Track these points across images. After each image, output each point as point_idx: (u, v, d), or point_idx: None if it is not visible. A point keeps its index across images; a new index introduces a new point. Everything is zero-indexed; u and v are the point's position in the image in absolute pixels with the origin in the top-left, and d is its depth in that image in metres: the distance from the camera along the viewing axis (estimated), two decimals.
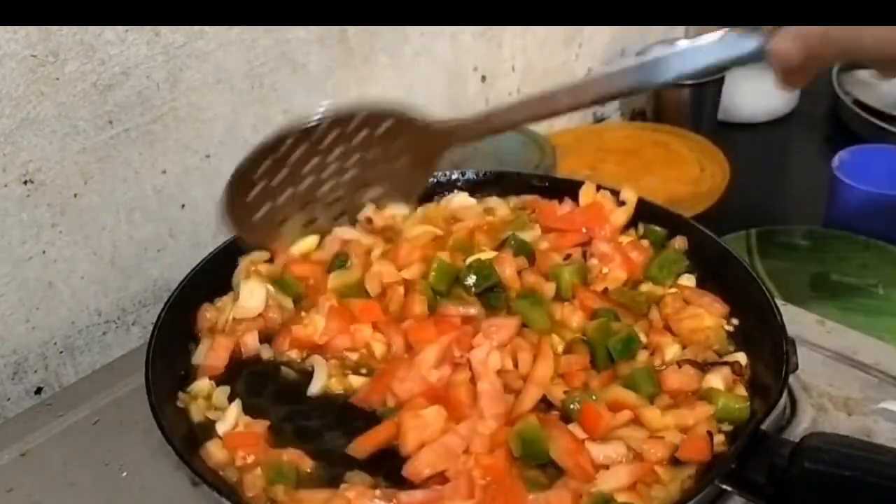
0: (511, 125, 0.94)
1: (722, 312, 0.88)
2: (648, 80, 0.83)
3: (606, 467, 0.74)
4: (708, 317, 0.87)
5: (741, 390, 0.80)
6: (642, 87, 0.91)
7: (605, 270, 0.92)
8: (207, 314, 0.91)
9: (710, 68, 0.79)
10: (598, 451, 0.74)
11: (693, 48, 0.79)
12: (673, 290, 0.92)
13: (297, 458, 0.77)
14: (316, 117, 0.87)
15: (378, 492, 0.72)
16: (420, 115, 0.90)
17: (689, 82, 1.56)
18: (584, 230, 0.96)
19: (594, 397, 0.78)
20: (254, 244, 0.94)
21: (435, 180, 1.07)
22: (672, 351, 0.84)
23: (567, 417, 0.78)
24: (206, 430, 0.81)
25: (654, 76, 0.81)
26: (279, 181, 0.90)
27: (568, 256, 0.93)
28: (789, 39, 0.73)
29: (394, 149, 0.92)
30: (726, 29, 0.78)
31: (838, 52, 0.73)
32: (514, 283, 0.90)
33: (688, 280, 0.93)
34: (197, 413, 0.82)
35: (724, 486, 0.70)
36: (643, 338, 0.85)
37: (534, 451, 0.75)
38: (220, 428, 0.79)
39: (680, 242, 0.96)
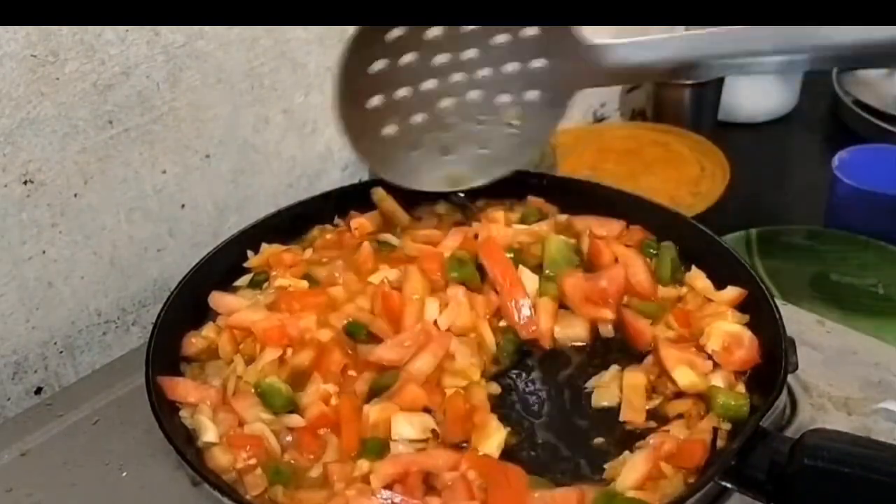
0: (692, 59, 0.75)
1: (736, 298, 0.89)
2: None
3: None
4: (731, 315, 0.87)
5: (741, 388, 0.81)
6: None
7: None
8: (193, 339, 0.89)
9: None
10: None
11: None
12: (684, 288, 0.93)
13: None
14: None
15: (378, 492, 0.72)
16: (573, 32, 0.75)
17: (691, 82, 1.56)
18: None
19: None
20: (376, 169, 0.81)
21: None
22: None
23: None
24: None
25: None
26: (395, 68, 0.75)
27: None
28: None
29: (530, 71, 0.77)
30: None
31: None
32: None
33: (698, 275, 0.93)
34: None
35: (724, 483, 0.70)
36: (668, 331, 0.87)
37: None
38: (207, 437, 0.79)
39: (668, 246, 0.96)
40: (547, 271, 0.93)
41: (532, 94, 0.78)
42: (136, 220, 1.07)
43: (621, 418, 0.80)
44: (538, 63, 0.76)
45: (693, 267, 0.94)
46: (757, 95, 1.62)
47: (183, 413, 0.82)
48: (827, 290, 1.20)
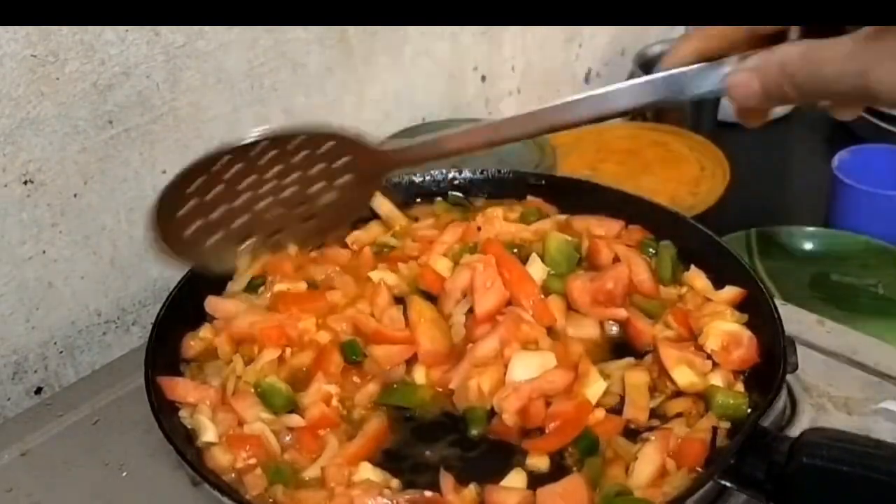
0: (461, 152, 0.85)
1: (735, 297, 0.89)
2: (602, 111, 0.74)
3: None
4: (730, 314, 0.87)
5: (740, 387, 0.81)
6: (600, 117, 0.78)
7: None
8: (192, 342, 0.89)
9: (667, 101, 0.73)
10: None
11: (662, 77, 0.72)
12: (684, 288, 0.93)
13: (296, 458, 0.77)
14: (253, 136, 0.82)
15: (380, 491, 0.72)
16: (362, 138, 0.86)
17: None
18: None
19: None
20: (183, 262, 0.88)
21: (432, 178, 1.07)
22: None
23: None
24: None
25: (609, 105, 0.74)
26: (212, 196, 0.84)
27: None
28: (747, 74, 0.67)
29: (336, 167, 0.87)
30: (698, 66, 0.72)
31: (796, 92, 0.66)
32: None
33: (697, 274, 0.93)
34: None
35: (723, 482, 0.70)
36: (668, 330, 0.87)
37: None
38: (206, 437, 0.78)
39: (667, 246, 0.96)
40: (549, 269, 0.93)
41: (343, 179, 0.87)
42: (136, 220, 1.07)
43: (625, 416, 0.80)
44: (343, 160, 0.85)
45: (692, 266, 0.94)
46: None
47: (182, 413, 0.82)
48: (827, 290, 1.21)
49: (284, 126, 0.83)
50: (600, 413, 0.79)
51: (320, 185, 0.87)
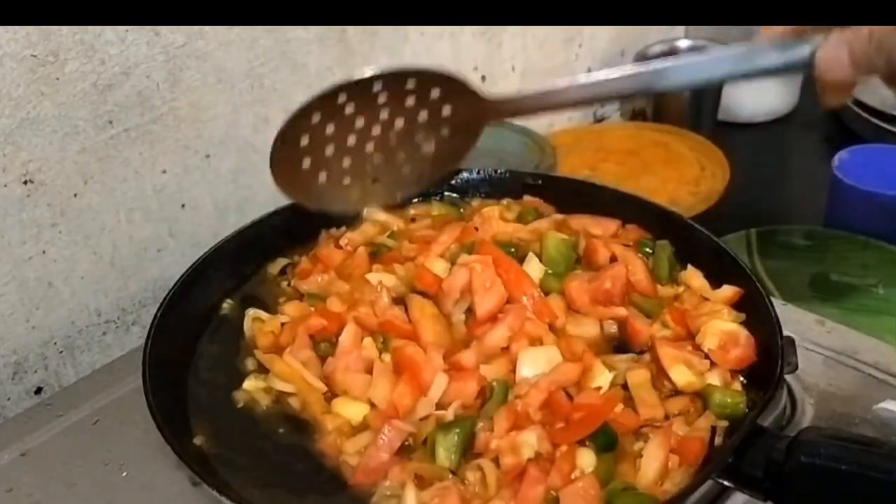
0: (564, 106, 0.87)
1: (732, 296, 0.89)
2: (695, 79, 0.78)
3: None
4: (727, 313, 0.86)
5: (737, 386, 0.81)
6: (692, 85, 0.84)
7: None
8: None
9: (750, 74, 0.75)
10: None
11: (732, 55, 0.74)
12: (681, 287, 0.93)
13: None
14: (368, 73, 0.81)
15: None
16: (470, 85, 0.85)
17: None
18: None
19: None
20: (298, 199, 0.89)
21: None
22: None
23: None
24: None
25: (703, 74, 0.76)
26: (326, 134, 0.85)
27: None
28: (835, 48, 0.67)
29: (442, 117, 0.86)
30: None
31: (885, 62, 0.66)
32: None
33: (694, 273, 0.93)
34: None
35: (721, 481, 0.70)
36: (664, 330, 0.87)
37: None
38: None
39: (664, 245, 0.96)
40: (546, 269, 0.93)
41: (446, 130, 0.86)
42: (136, 220, 1.07)
43: (641, 417, 0.79)
44: (446, 110, 0.85)
45: (689, 266, 0.94)
46: (757, 95, 1.62)
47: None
48: (827, 290, 1.20)
49: (396, 66, 0.83)
50: (618, 406, 0.79)
51: (424, 133, 0.87)
